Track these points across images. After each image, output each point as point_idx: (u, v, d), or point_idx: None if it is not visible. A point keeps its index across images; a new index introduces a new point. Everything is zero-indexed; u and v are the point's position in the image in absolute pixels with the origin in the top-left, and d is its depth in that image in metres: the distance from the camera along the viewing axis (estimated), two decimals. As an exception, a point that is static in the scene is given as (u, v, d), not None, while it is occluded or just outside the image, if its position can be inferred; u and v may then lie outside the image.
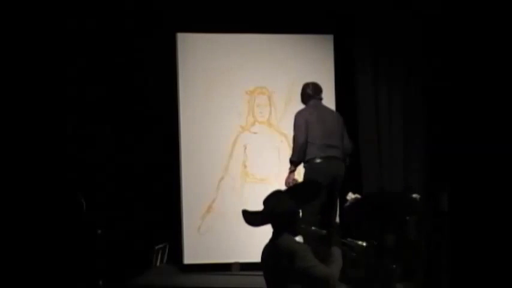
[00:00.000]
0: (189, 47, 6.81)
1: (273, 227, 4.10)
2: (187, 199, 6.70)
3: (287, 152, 6.54)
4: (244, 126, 6.85)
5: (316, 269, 3.78)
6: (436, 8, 6.42)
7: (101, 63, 6.60)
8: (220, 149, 6.78)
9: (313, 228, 4.23)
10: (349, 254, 4.18)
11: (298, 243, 3.97)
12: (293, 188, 4.58)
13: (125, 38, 6.72)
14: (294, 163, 5.91)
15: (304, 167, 5.96)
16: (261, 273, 6.31)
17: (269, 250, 4.05)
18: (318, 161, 5.86)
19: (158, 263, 6.84)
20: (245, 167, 6.79)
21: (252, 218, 4.22)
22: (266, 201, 4.10)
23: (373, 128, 6.98)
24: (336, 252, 3.96)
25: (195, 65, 6.80)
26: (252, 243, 6.66)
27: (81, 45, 6.46)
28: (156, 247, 6.84)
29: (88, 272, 5.94)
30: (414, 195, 6.25)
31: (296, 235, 4.03)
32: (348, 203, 6.34)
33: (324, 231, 4.16)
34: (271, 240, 4.06)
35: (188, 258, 6.64)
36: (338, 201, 6.20)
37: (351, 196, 6.37)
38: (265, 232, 6.68)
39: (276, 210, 4.02)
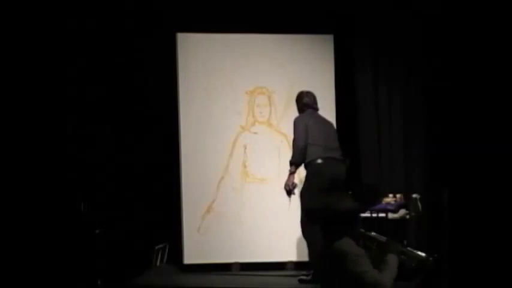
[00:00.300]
0: (189, 47, 6.81)
1: (331, 228, 3.93)
2: (187, 199, 6.70)
3: (287, 152, 6.54)
4: (244, 126, 6.85)
5: (367, 275, 3.68)
6: (436, 8, 6.41)
7: (101, 63, 6.60)
8: (220, 149, 6.77)
9: (373, 233, 4.11)
10: (409, 263, 4.08)
11: (354, 246, 3.83)
12: (355, 190, 4.45)
13: (125, 38, 6.72)
14: (294, 165, 5.91)
15: (306, 168, 5.96)
16: (261, 273, 6.32)
17: (325, 252, 3.94)
18: (319, 161, 5.87)
19: (158, 263, 6.84)
20: (245, 167, 6.79)
21: (313, 216, 4.10)
22: (327, 201, 4.01)
23: (373, 128, 6.98)
24: (392, 260, 3.85)
25: (195, 65, 6.80)
26: (252, 243, 6.69)
27: (81, 45, 6.45)
28: (156, 247, 6.85)
29: (88, 272, 5.94)
30: (414, 195, 6.25)
31: (356, 238, 3.91)
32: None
33: (384, 238, 4.03)
34: (328, 242, 3.92)
35: (188, 258, 6.64)
36: None
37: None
38: (265, 232, 6.72)
39: (338, 210, 3.89)
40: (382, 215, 6.05)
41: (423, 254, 3.97)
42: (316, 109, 6.17)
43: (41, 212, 6.11)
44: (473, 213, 5.54)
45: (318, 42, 6.98)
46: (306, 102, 6.14)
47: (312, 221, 4.23)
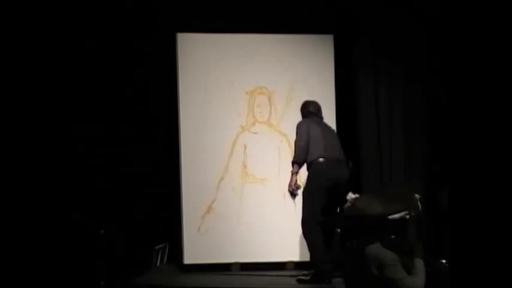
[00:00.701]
0: (189, 47, 6.81)
1: (359, 232, 3.95)
2: (187, 199, 6.69)
3: (287, 152, 6.56)
4: (244, 126, 6.85)
5: (404, 281, 3.71)
6: (436, 8, 6.41)
7: (101, 63, 6.60)
8: (220, 149, 6.77)
9: (393, 236, 4.10)
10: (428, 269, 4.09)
11: (389, 252, 3.84)
12: (382, 194, 4.43)
13: (125, 37, 6.72)
14: (296, 164, 5.89)
15: (307, 168, 5.95)
16: (260, 273, 6.31)
17: (354, 256, 3.92)
18: (321, 160, 5.85)
19: (158, 263, 6.84)
20: (245, 167, 6.79)
21: (332, 220, 4.10)
22: (354, 204, 4.00)
23: (373, 128, 6.98)
24: (419, 264, 3.86)
25: (195, 65, 6.80)
26: (252, 243, 6.69)
27: (81, 45, 6.46)
28: (156, 247, 6.84)
29: (88, 272, 5.94)
30: (414, 195, 6.24)
31: (384, 243, 3.91)
32: (347, 204, 6.33)
33: (409, 241, 4.04)
34: (357, 246, 3.91)
35: (188, 258, 6.64)
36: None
37: (351, 196, 6.35)
38: (265, 232, 6.72)
39: (366, 213, 3.91)
40: None
41: (443, 261, 3.97)
42: (320, 117, 6.17)
43: (42, 212, 6.12)
44: (473, 213, 5.54)
45: (318, 42, 6.98)
46: (310, 110, 6.13)
47: (332, 225, 4.23)
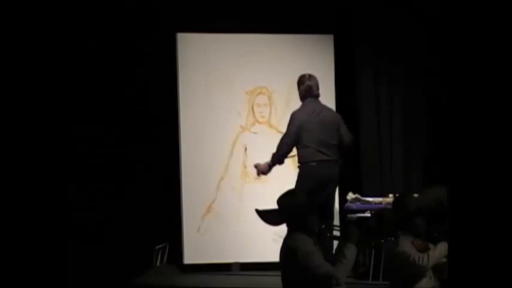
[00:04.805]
0: (189, 47, 6.81)
1: (288, 225, 4.09)
2: (187, 199, 6.70)
3: (287, 152, 6.55)
4: (244, 126, 6.85)
5: (317, 269, 3.79)
6: (436, 8, 6.41)
7: (101, 63, 6.59)
8: (220, 149, 6.77)
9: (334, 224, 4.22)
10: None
11: (305, 241, 3.93)
12: (307, 187, 4.53)
13: (125, 38, 6.72)
14: (274, 159, 5.98)
15: (298, 167, 5.97)
16: (260, 273, 6.32)
17: (282, 248, 4.06)
18: (313, 164, 5.88)
19: (158, 263, 6.84)
20: (245, 167, 6.79)
21: (268, 217, 4.19)
22: (281, 199, 4.08)
23: (373, 128, 6.98)
24: (349, 252, 3.92)
25: (195, 65, 6.80)
26: (252, 243, 6.69)
27: (81, 45, 6.45)
28: (156, 247, 6.84)
29: (88, 272, 5.94)
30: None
31: (310, 233, 4.01)
32: (348, 203, 6.34)
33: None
34: (285, 239, 4.06)
35: (188, 258, 6.64)
36: (335, 203, 6.22)
37: (351, 196, 6.37)
38: (265, 232, 6.71)
39: (290, 207, 4.01)
40: None
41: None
42: (318, 95, 6.14)
43: (42, 212, 6.11)
44: (473, 213, 5.53)
45: (318, 42, 6.99)
46: (307, 88, 6.09)
47: (267, 222, 4.32)
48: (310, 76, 6.16)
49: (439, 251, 4.08)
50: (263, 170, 6.09)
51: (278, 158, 5.98)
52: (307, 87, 6.09)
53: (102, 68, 6.60)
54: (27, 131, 6.17)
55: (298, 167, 5.97)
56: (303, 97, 6.13)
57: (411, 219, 4.15)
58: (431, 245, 4.18)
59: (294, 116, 5.99)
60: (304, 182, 5.80)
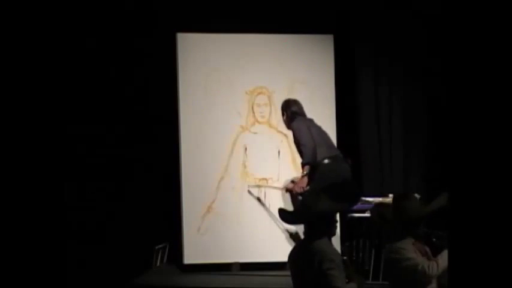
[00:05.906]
0: (189, 47, 6.81)
1: (309, 227, 3.95)
2: (187, 199, 6.69)
3: (287, 152, 6.56)
4: (244, 126, 6.85)
5: (336, 280, 3.71)
6: (436, 8, 6.41)
7: (101, 63, 6.60)
8: (220, 149, 6.77)
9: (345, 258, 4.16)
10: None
11: (332, 247, 3.88)
12: (331, 189, 4.47)
13: (125, 38, 6.72)
14: (307, 165, 5.88)
15: (313, 169, 5.94)
16: (260, 273, 6.31)
17: (301, 251, 3.94)
18: (326, 161, 5.87)
19: (158, 263, 6.85)
20: (245, 167, 6.79)
21: (288, 217, 4.13)
22: (304, 200, 4.02)
23: (373, 128, 6.98)
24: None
25: (195, 65, 6.80)
26: (252, 243, 6.69)
27: (81, 45, 6.45)
28: (156, 247, 6.85)
29: (88, 272, 5.94)
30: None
31: (331, 236, 3.95)
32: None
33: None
34: (304, 241, 3.94)
35: (188, 258, 6.64)
36: None
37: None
38: (265, 232, 6.71)
39: (315, 209, 3.90)
40: None
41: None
42: (305, 115, 6.19)
43: (41, 212, 6.11)
44: (473, 213, 5.53)
45: (318, 42, 6.98)
46: (295, 111, 6.17)
47: (286, 221, 4.27)
48: (295, 101, 6.29)
49: (446, 259, 4.02)
50: (305, 185, 5.93)
51: (311, 162, 5.88)
52: (293, 111, 6.18)
53: (102, 68, 6.60)
54: (27, 131, 6.17)
55: (313, 168, 5.91)
56: (292, 119, 6.14)
57: (413, 225, 4.11)
58: (427, 248, 4.15)
59: (296, 124, 6.02)
60: (321, 181, 5.77)
